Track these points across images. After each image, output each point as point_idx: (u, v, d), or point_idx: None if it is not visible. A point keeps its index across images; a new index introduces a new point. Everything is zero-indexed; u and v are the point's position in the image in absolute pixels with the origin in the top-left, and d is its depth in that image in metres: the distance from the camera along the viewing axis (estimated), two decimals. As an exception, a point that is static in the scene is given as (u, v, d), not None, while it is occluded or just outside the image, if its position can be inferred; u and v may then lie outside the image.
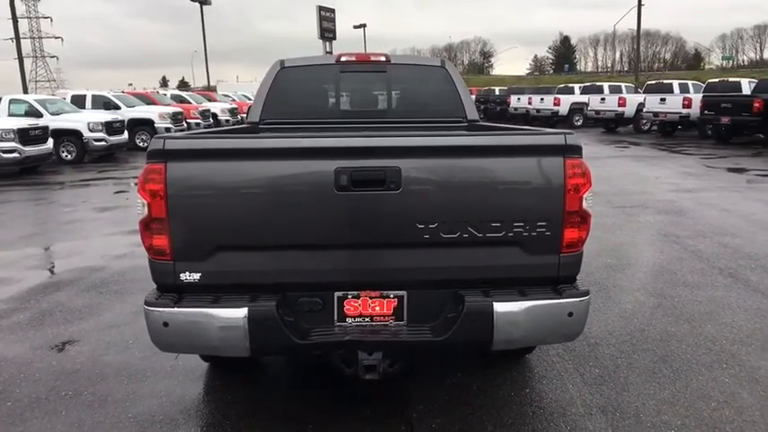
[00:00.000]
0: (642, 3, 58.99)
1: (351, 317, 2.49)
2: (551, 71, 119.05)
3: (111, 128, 14.63)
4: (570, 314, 2.42)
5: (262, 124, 4.27)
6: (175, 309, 2.34)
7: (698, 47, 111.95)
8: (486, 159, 2.38)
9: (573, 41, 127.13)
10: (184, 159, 2.33)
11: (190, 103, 21.75)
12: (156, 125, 17.31)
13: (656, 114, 19.48)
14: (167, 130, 17.51)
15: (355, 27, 49.60)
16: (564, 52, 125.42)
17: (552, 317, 2.42)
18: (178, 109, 18.70)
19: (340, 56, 4.42)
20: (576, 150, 2.39)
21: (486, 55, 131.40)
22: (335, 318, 2.49)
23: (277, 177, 2.34)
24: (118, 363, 3.51)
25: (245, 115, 24.95)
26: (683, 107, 18.47)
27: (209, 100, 24.41)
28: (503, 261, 2.45)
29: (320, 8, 49.25)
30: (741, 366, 3.37)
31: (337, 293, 2.47)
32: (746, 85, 18.90)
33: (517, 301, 2.39)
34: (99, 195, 9.98)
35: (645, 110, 20.02)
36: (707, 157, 14.05)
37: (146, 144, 17.32)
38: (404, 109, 4.40)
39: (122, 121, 15.46)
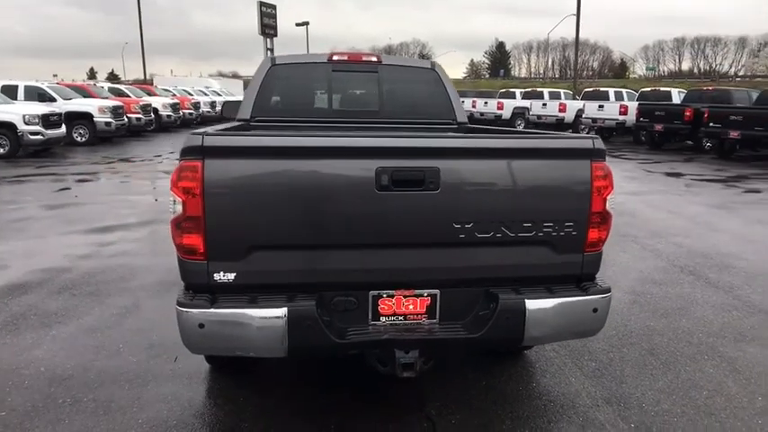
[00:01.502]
0: (575, 14, 61.63)
1: (385, 315, 2.51)
2: (487, 75, 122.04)
3: (48, 121, 13.82)
4: (595, 310, 2.54)
5: (253, 122, 4.20)
6: (212, 309, 2.28)
7: (623, 57, 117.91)
8: (519, 161, 2.45)
9: (508, 47, 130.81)
10: (222, 156, 2.28)
11: (129, 96, 20.85)
12: (95, 119, 16.49)
13: (594, 120, 20.43)
14: (107, 124, 16.76)
15: (297, 25, 49.06)
16: (499, 58, 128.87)
17: (578, 313, 2.53)
18: (118, 103, 17.89)
19: (332, 54, 4.42)
20: (601, 154, 2.51)
21: (425, 57, 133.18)
22: (370, 317, 2.50)
23: (317, 176, 2.33)
24: (112, 368, 3.36)
25: (187, 111, 24.20)
26: (620, 114, 19.48)
27: (149, 94, 23.49)
28: (532, 260, 2.54)
29: (261, 3, 48.50)
30: (721, 357, 3.62)
31: (372, 293, 2.48)
32: (676, 95, 20.16)
33: (547, 298, 2.48)
34: (42, 192, 9.42)
35: (584, 116, 20.95)
36: (644, 161, 14.88)
37: (84, 139, 16.53)
38: (395, 110, 4.44)
39: (60, 115, 14.65)
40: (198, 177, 2.25)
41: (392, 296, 2.49)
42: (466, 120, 4.57)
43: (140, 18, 41.77)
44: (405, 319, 2.52)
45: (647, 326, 4.10)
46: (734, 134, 14.73)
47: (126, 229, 6.84)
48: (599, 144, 2.50)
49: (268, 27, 51.91)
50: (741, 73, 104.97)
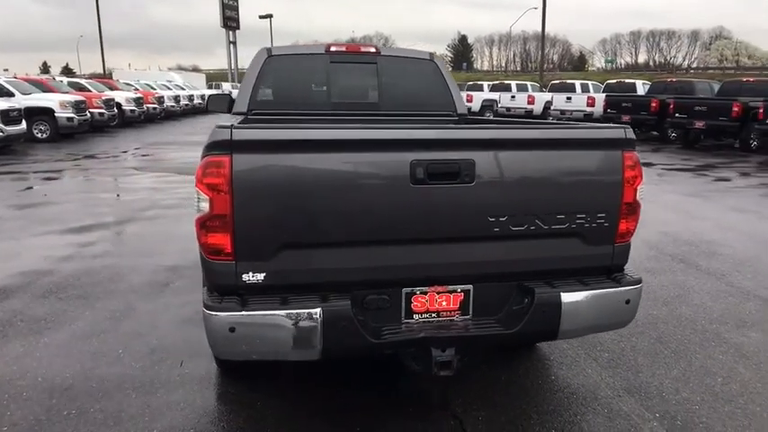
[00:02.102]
0: (536, 7, 62.42)
1: (418, 313, 2.43)
2: (450, 68, 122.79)
3: (7, 117, 13.18)
4: (627, 301, 2.52)
5: (250, 115, 4.06)
6: (244, 312, 2.16)
7: (582, 50, 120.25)
8: (553, 152, 2.41)
9: (470, 40, 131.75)
10: (251, 151, 2.15)
11: (90, 91, 20.11)
12: (56, 115, 15.83)
13: (562, 112, 20.72)
14: (69, 120, 16.13)
15: (261, 17, 48.31)
16: (462, 51, 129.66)
17: (611, 305, 2.50)
18: (80, 97, 17.23)
19: (329, 46, 4.30)
20: (631, 144, 2.48)
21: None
22: (403, 315, 2.42)
23: (350, 170, 2.23)
24: (115, 375, 3.19)
25: (151, 105, 23.53)
26: (588, 105, 19.82)
27: (110, 89, 22.72)
28: (564, 252, 2.50)
29: (223, -5, 47.57)
30: (727, 344, 3.68)
31: (405, 290, 2.40)
32: (641, 87, 20.61)
33: (581, 290, 2.45)
34: (7, 192, 8.98)
35: (552, 107, 21.24)
36: (614, 152, 15.15)
37: (45, 135, 15.87)
38: (395, 101, 4.35)
39: (20, 110, 14.00)
40: (226, 173, 2.13)
41: (425, 293, 2.42)
42: (466, 111, 4.52)
43: (98, 9, 40.39)
44: (438, 316, 2.45)
45: (651, 314, 4.14)
46: (699, 124, 15.15)
47: (105, 228, 6.56)
48: (630, 134, 2.47)
49: (230, 20, 51.14)
50: (694, 65, 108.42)
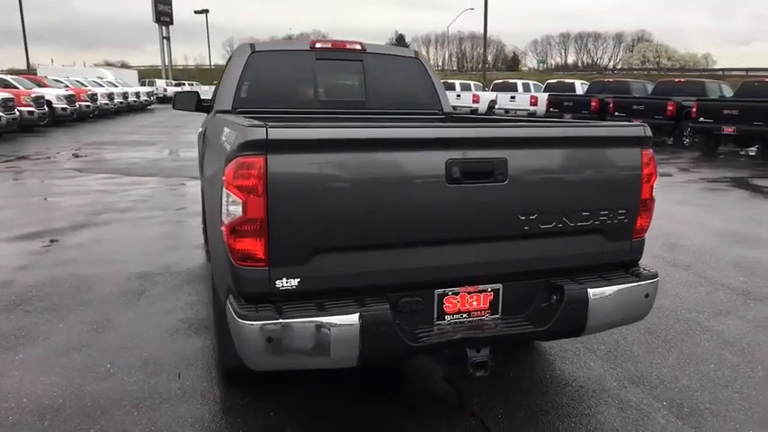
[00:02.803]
0: (473, 8, 63.75)
1: (450, 314, 2.40)
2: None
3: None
4: (646, 295, 2.59)
5: (234, 113, 3.89)
6: (282, 320, 2.06)
7: (516, 50, 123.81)
8: (579, 150, 2.43)
9: (407, 40, 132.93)
10: (286, 151, 2.05)
11: (17, 88, 18.84)
12: (-19, 113, 14.74)
13: (507, 111, 21.26)
14: (-4, 118, 15.03)
15: (196, 12, 46.87)
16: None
17: (632, 299, 2.56)
18: (8, 95, 16.10)
19: (314, 42, 4.19)
20: (649, 141, 2.55)
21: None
22: (435, 316, 2.38)
23: (387, 170, 2.17)
24: (109, 391, 2.98)
25: (84, 103, 22.35)
26: (531, 104, 20.42)
27: (39, 85, 21.38)
28: (587, 249, 2.53)
29: (155, -11, 45.77)
30: (710, 332, 3.86)
31: (437, 291, 2.36)
32: (579, 87, 21.42)
33: (606, 286, 2.49)
34: (-64, 197, 8.28)
35: (497, 106, 21.74)
36: (559, 149, 15.67)
37: (-31, 135, 14.72)
38: (381, 99, 4.29)
39: (-59, 108, 12.93)
40: (261, 174, 2.02)
41: (457, 293, 2.39)
42: (451, 109, 4.52)
43: (21, 2, 37.90)
44: (469, 317, 2.43)
45: (634, 306, 4.28)
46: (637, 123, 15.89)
47: (58, 234, 6.15)
48: (648, 132, 2.53)
49: (163, 14, 49.45)
50: (619, 66, 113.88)
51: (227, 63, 4.65)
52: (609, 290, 2.48)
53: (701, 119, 13.93)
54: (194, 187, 9.10)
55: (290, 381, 3.09)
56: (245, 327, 2.07)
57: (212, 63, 62.73)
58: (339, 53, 4.22)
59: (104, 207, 7.51)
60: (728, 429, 2.74)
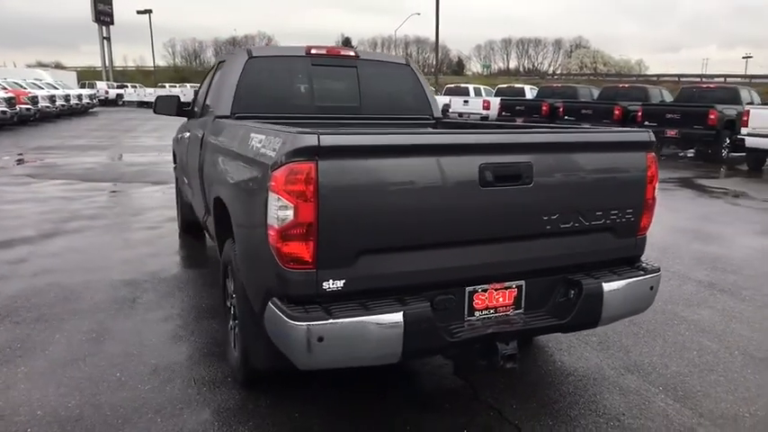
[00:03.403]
0: (419, 13, 64.59)
1: (478, 310, 2.53)
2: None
3: None
4: (651, 288, 2.81)
5: (233, 118, 3.91)
6: (332, 321, 2.14)
7: (460, 55, 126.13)
8: (594, 154, 2.62)
9: (354, 43, 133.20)
10: (335, 156, 2.13)
11: (-49, 90, 17.81)
12: None
13: (460, 114, 21.70)
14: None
15: (139, 12, 45.46)
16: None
17: (640, 292, 2.77)
18: (-57, 97, 15.23)
19: (309, 48, 4.26)
20: (652, 146, 2.77)
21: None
22: (466, 313, 2.51)
23: (427, 174, 2.28)
24: (126, 400, 2.96)
25: (24, 106, 21.33)
26: (483, 108, 20.94)
27: (-27, 87, 20.26)
28: (599, 246, 2.73)
29: (95, -12, 44.19)
30: (687, 321, 4.15)
31: (468, 288, 2.49)
32: (528, 91, 22.14)
33: (617, 280, 2.69)
34: None
35: (450, 110, 22.16)
36: (514, 152, 16.17)
37: None
38: (375, 105, 4.40)
39: None
40: (312, 179, 2.09)
41: (486, 290, 2.53)
42: (441, 115, 4.68)
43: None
44: (495, 312, 2.57)
45: (615, 300, 4.55)
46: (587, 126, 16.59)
47: (29, 243, 5.93)
48: (652, 137, 2.75)
49: (103, 14, 47.72)
50: (558, 71, 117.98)
51: (216, 68, 4.64)
52: (620, 284, 2.68)
53: (646, 122, 14.70)
54: (160, 192, 8.94)
55: (310, 381, 3.14)
56: (296, 328, 2.13)
57: (155, 64, 61.02)
58: (333, 59, 4.30)
59: (71, 214, 7.26)
60: (722, 409, 2.99)
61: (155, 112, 5.35)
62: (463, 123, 4.63)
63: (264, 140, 2.41)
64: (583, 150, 2.61)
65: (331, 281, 2.21)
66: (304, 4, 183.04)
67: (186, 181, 5.30)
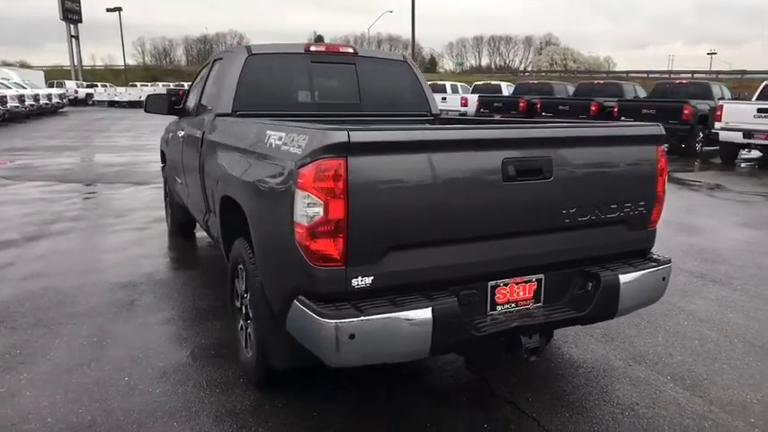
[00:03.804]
0: (392, 11, 64.70)
1: (500, 304, 2.54)
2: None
3: None
4: (663, 279, 2.86)
5: (235, 116, 3.85)
6: (364, 318, 2.12)
7: (433, 52, 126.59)
8: (610, 147, 2.66)
9: (327, 41, 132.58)
10: (365, 153, 2.12)
11: None
12: None
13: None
14: None
15: (109, 10, 44.48)
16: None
17: (653, 282, 2.82)
18: None
19: (308, 45, 4.23)
20: (663, 139, 2.81)
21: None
22: (488, 307, 2.52)
23: (453, 169, 2.29)
24: (138, 405, 2.89)
25: (-8, 107, 20.71)
26: (461, 105, 21.05)
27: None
28: (613, 238, 2.76)
29: (62, -15, 43.15)
30: (684, 311, 4.24)
31: (490, 283, 2.50)
32: (505, 88, 22.33)
33: (632, 272, 2.73)
34: None
35: (429, 107, 22.23)
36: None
37: None
38: (375, 103, 4.39)
39: None
40: (341, 176, 2.07)
41: (507, 284, 2.54)
42: (439, 112, 4.69)
43: None
44: (516, 306, 2.59)
45: (612, 292, 4.62)
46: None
47: (14, 246, 5.76)
48: (662, 130, 2.80)
49: (71, 12, 46.56)
50: (529, 68, 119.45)
51: (211, 65, 4.56)
52: (635, 275, 2.72)
53: (623, 118, 14.95)
54: (143, 193, 8.78)
55: (325, 380, 3.12)
56: (327, 325, 2.11)
57: (125, 63, 59.72)
58: (332, 56, 4.27)
59: (54, 216, 7.08)
60: (730, 396, 3.06)
61: (146, 110, 5.25)
62: (462, 119, 4.64)
63: (285, 138, 2.38)
64: (599, 144, 2.64)
65: (360, 278, 2.19)
66: (276, 2, 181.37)
67: (180, 181, 5.21)
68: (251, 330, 3.00)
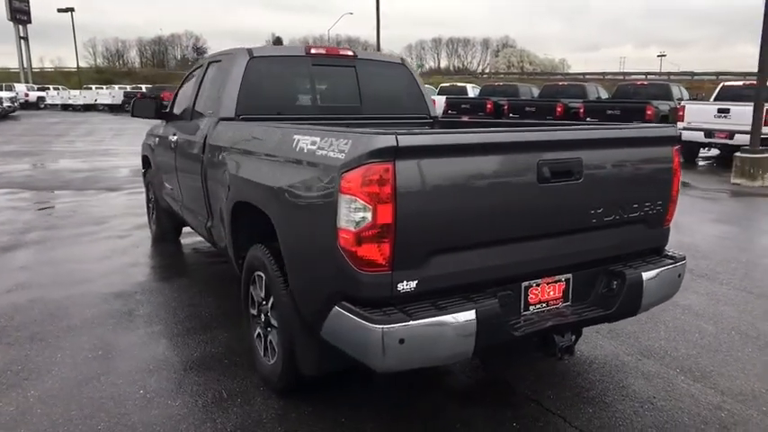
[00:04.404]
0: (352, 12, 64.69)
1: (533, 304, 2.58)
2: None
3: None
4: (679, 275, 2.95)
5: (238, 120, 3.79)
6: (413, 322, 2.12)
7: (392, 54, 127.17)
8: (633, 149, 2.73)
9: (285, 43, 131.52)
10: (412, 157, 2.12)
11: None
12: None
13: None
14: None
15: (60, 11, 42.95)
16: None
17: (671, 279, 2.91)
18: None
19: (309, 48, 4.19)
20: (677, 140, 2.91)
21: (200, 51, 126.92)
22: (522, 307, 2.55)
23: (494, 172, 2.31)
24: (159, 418, 2.81)
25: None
26: (429, 107, 21.19)
27: None
28: (634, 237, 2.84)
29: (9, -16, 41.59)
30: (680, 306, 4.37)
31: (524, 284, 2.53)
32: (470, 90, 22.62)
33: (653, 269, 2.81)
34: None
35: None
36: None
37: None
38: (375, 105, 4.39)
39: None
40: (390, 181, 2.07)
41: (539, 285, 2.58)
42: (437, 114, 4.72)
43: None
44: (547, 306, 2.63)
45: (608, 289, 4.75)
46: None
47: (-9, 257, 5.50)
48: (677, 132, 2.89)
49: (19, 12, 44.81)
50: (487, 70, 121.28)
51: (206, 68, 4.47)
52: (656, 272, 2.80)
53: (588, 118, 15.34)
54: (118, 199, 8.54)
55: (347, 386, 3.10)
56: (375, 330, 2.09)
57: (78, 65, 57.65)
58: (333, 59, 4.25)
59: (26, 225, 6.80)
60: (739, 387, 3.18)
61: (132, 115, 5.11)
62: (454, 122, 4.70)
63: (321, 142, 2.35)
64: (624, 146, 2.71)
65: (405, 282, 2.19)
66: (232, 2, 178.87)
67: (170, 186, 5.08)
68: (273, 338, 2.95)
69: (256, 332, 3.17)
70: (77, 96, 39.98)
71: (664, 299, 3.00)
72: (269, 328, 3.00)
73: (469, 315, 2.22)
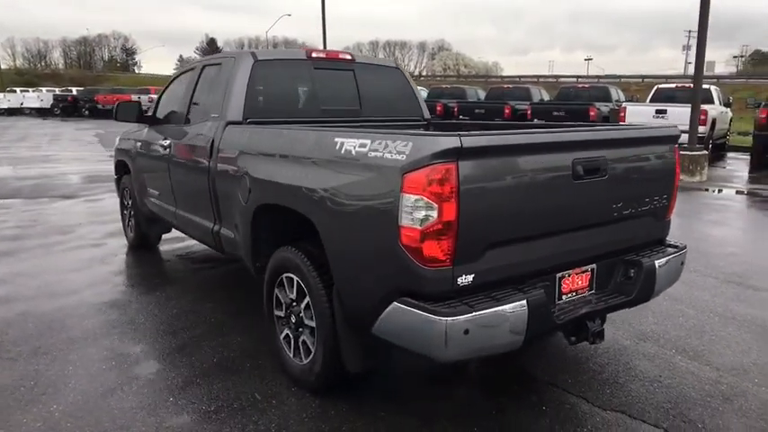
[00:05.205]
0: (290, 14, 64.27)
1: (565, 294, 2.76)
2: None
3: None
4: (682, 263, 3.21)
5: (246, 123, 3.79)
6: (476, 313, 2.24)
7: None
8: (646, 147, 2.96)
9: (219, 44, 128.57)
10: (473, 157, 2.24)
11: None
12: None
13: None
14: None
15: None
16: (211, 53, 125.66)
17: (676, 266, 3.16)
18: None
19: (310, 51, 4.24)
20: (678, 139, 3.17)
21: (129, 52, 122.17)
22: (556, 297, 2.72)
23: (543, 170, 2.49)
24: (199, 423, 2.80)
25: None
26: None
27: None
28: (645, 228, 3.08)
29: None
30: (672, 298, 4.59)
31: (558, 274, 2.70)
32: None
33: (663, 257, 3.05)
34: None
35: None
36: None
37: None
38: (373, 108, 4.48)
39: None
40: (454, 180, 2.18)
41: (570, 275, 2.76)
42: (430, 116, 4.86)
43: None
44: (576, 295, 2.81)
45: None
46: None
47: (-41, 271, 5.19)
48: (678, 131, 3.16)
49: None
50: (424, 73, 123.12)
51: (201, 71, 4.42)
52: (665, 260, 3.05)
53: (536, 119, 15.97)
54: (77, 207, 8.21)
55: (376, 383, 3.18)
56: (440, 323, 2.20)
57: (-4, 67, 53.94)
58: (333, 63, 4.32)
59: (-11, 236, 6.44)
60: (730, 362, 3.49)
61: (115, 119, 4.98)
62: (450, 124, 4.86)
63: (373, 145, 2.43)
64: (638, 144, 2.94)
65: (464, 275, 2.31)
66: (162, 2, 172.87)
67: (157, 192, 4.98)
68: (306, 338, 3.00)
69: (284, 334, 3.19)
70: (2, 100, 37.65)
71: (669, 284, 3.26)
72: (300, 329, 3.04)
73: (521, 305, 2.36)
